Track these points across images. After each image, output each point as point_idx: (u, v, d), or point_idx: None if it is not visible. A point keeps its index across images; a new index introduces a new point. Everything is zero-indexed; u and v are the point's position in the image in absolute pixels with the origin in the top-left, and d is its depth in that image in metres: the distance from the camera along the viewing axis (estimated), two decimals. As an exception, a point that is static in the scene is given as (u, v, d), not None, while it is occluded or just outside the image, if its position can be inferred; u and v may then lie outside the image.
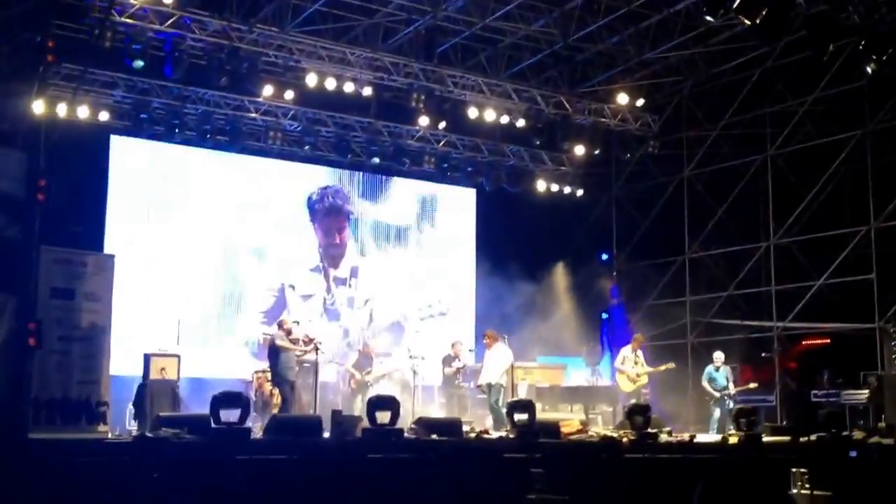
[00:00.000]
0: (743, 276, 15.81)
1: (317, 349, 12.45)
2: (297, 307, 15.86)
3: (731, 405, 13.10)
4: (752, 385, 13.91)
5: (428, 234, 17.63)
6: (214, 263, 15.50)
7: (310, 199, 16.49)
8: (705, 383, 13.78)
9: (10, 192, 8.84)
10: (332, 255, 16.59)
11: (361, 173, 16.96)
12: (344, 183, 16.88)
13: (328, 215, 16.62)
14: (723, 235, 16.23)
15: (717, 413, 13.50)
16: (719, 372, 13.75)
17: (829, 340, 15.20)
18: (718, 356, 13.87)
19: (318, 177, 16.68)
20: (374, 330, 16.43)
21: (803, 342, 15.60)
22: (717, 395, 13.55)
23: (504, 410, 11.37)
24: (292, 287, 16.05)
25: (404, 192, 17.44)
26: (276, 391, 12.39)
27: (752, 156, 15.77)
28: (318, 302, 16.27)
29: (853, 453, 9.45)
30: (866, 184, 14.09)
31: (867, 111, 14.14)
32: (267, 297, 15.82)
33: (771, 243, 15.45)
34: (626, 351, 14.15)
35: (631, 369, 13.94)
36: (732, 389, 13.63)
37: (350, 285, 16.62)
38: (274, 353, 12.21)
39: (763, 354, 15.65)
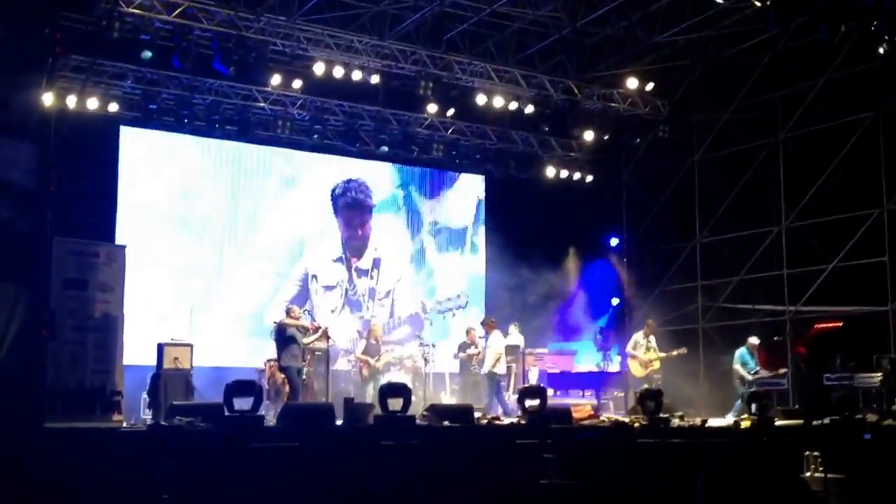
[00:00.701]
0: (755, 261, 15.71)
1: (327, 336, 12.48)
2: (320, 297, 15.93)
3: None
4: (783, 370, 13.80)
5: (444, 220, 17.69)
6: (225, 253, 15.54)
7: (333, 191, 16.58)
8: (738, 366, 13.59)
9: (21, 184, 8.91)
10: (353, 246, 16.65)
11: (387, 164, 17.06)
12: (369, 174, 16.93)
13: (350, 208, 16.68)
14: (734, 220, 16.11)
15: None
16: (754, 357, 13.64)
17: (841, 323, 15.11)
18: (755, 341, 13.75)
19: (332, 167, 16.64)
20: (395, 322, 16.48)
21: (816, 325, 15.52)
22: (751, 378, 13.44)
23: (514, 398, 11.37)
24: (315, 277, 16.10)
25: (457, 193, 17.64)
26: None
27: (763, 139, 15.65)
28: (339, 293, 16.32)
29: (867, 436, 9.40)
30: (878, 166, 13.97)
31: (879, 93, 14.01)
32: (290, 287, 15.89)
33: (783, 227, 15.35)
34: (639, 336, 14.14)
35: (643, 355, 13.92)
36: (763, 374, 13.54)
37: (372, 277, 16.67)
38: (281, 335, 12.24)
39: (776, 338, 15.58)
